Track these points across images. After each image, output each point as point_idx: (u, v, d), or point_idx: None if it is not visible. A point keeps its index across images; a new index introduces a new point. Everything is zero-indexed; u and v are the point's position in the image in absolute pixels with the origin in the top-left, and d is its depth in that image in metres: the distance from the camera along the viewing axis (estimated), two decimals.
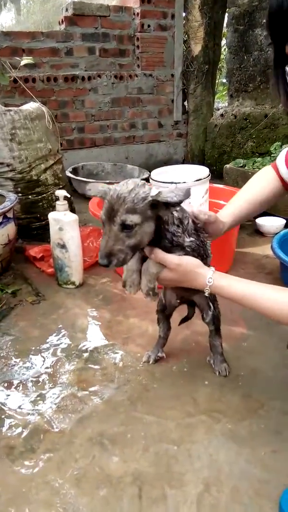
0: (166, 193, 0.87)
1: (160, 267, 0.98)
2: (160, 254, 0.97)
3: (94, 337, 1.49)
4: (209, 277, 0.97)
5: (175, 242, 0.98)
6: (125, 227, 0.86)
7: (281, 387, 1.21)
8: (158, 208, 0.89)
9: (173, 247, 0.98)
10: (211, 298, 1.19)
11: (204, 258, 1.07)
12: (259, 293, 0.95)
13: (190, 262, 0.98)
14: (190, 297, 1.21)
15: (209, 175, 1.81)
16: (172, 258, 0.97)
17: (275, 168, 1.20)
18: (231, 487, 0.92)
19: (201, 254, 1.06)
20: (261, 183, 1.23)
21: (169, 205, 0.88)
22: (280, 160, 1.19)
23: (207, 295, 1.00)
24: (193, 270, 0.98)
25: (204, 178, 1.76)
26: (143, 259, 1.01)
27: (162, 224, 0.95)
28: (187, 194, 0.87)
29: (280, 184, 1.20)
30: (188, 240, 1.00)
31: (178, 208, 0.98)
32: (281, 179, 1.19)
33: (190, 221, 1.04)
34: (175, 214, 0.97)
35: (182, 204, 0.93)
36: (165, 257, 0.96)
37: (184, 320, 1.35)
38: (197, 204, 1.75)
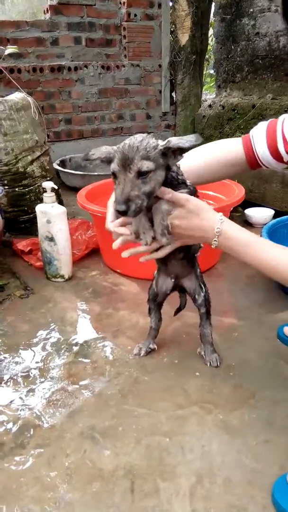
0: (176, 140, 0.91)
1: (170, 205, 0.97)
2: (169, 192, 0.96)
3: (84, 330, 1.48)
4: (219, 217, 0.97)
5: (180, 180, 1.00)
6: (141, 174, 0.88)
7: (272, 377, 1.22)
8: (168, 157, 0.92)
9: (178, 184, 0.99)
10: (202, 281, 1.21)
11: None
12: (264, 244, 0.96)
13: (199, 201, 0.99)
14: (182, 277, 1.21)
15: None
16: (182, 195, 0.97)
17: (247, 143, 1.13)
18: (224, 478, 0.92)
19: None
20: (225, 150, 1.17)
21: (180, 152, 0.92)
22: (258, 136, 1.11)
23: (215, 241, 0.97)
24: (203, 208, 0.98)
25: None
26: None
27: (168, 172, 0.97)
28: (198, 138, 0.90)
29: (245, 160, 1.14)
30: (188, 181, 1.04)
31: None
32: (250, 155, 1.12)
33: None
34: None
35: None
36: (176, 195, 0.96)
37: (178, 310, 1.34)
38: None
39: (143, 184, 0.89)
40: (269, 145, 1.09)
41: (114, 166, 0.91)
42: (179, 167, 1.02)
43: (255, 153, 1.12)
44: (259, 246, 0.96)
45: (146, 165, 0.88)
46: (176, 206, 0.97)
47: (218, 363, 1.25)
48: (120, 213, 0.90)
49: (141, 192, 0.89)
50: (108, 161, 0.94)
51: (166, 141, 0.91)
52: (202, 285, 1.21)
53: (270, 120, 1.12)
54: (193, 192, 1.03)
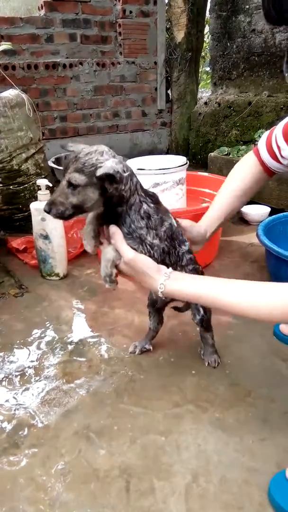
0: (104, 167, 0.87)
1: (117, 255, 0.94)
2: (118, 241, 0.93)
3: (79, 329, 1.47)
4: (160, 283, 0.91)
5: (131, 230, 0.95)
6: (70, 185, 0.89)
7: (268, 375, 1.21)
8: (104, 180, 0.89)
9: (128, 234, 0.95)
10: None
11: (171, 265, 1.03)
12: (215, 292, 0.88)
13: (145, 263, 0.93)
14: None
15: (182, 165, 1.78)
16: (128, 252, 0.93)
17: (257, 153, 1.17)
18: (220, 477, 0.91)
19: (166, 263, 1.02)
20: (242, 173, 1.20)
21: (110, 179, 0.88)
22: (261, 144, 1.16)
23: (161, 295, 0.95)
24: (146, 272, 0.93)
25: (169, 168, 1.74)
26: (102, 217, 0.99)
27: (117, 205, 0.93)
28: (103, 175, 0.86)
29: (262, 170, 1.17)
30: (150, 239, 0.97)
31: (151, 205, 0.96)
32: (263, 165, 1.16)
33: (168, 226, 1.00)
34: (145, 206, 0.95)
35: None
36: (122, 248, 0.93)
37: (176, 308, 1.31)
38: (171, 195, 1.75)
39: (71, 195, 0.89)
40: (268, 150, 1.13)
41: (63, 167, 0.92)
42: (142, 219, 0.95)
43: (263, 160, 1.15)
44: (207, 295, 0.89)
45: (75, 178, 0.87)
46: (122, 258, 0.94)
47: (216, 364, 1.24)
48: (44, 211, 0.92)
49: (67, 201, 0.90)
50: None
51: (108, 167, 0.87)
52: (201, 308, 1.18)
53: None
54: (149, 252, 0.97)
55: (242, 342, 1.36)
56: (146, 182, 1.67)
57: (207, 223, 1.17)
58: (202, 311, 1.18)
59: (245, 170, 1.20)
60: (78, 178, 0.88)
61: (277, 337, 1.37)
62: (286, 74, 0.87)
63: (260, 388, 1.15)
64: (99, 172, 0.86)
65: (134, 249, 0.94)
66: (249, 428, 1.03)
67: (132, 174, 0.93)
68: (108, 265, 0.95)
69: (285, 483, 0.86)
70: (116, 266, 0.96)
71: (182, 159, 1.84)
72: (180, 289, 0.91)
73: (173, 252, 1.04)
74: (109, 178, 0.87)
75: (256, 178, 1.19)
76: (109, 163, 0.87)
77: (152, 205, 0.97)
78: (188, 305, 1.28)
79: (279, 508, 0.83)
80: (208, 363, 1.24)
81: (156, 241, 0.98)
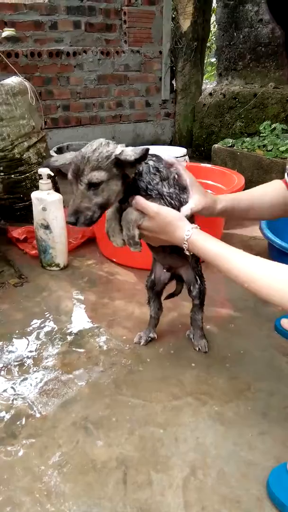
0: (127, 151, 0.88)
1: (139, 215, 0.95)
2: (141, 200, 0.95)
3: (79, 320, 1.46)
4: (187, 229, 0.94)
5: (149, 191, 0.96)
6: (92, 185, 0.88)
7: (268, 368, 1.20)
8: (124, 166, 0.90)
9: (147, 195, 0.96)
10: (198, 273, 1.19)
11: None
12: (233, 257, 0.89)
13: (170, 213, 0.95)
14: (177, 268, 1.19)
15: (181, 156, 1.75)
16: (152, 206, 0.94)
17: (286, 183, 1.11)
18: (218, 470, 0.91)
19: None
20: (266, 188, 1.15)
21: (132, 163, 0.89)
22: None
23: (186, 252, 0.96)
24: (172, 222, 0.95)
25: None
26: (121, 209, 1.00)
27: (133, 178, 0.95)
28: (142, 153, 0.87)
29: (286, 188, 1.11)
30: (167, 190, 0.99)
31: (154, 159, 0.99)
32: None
33: (174, 175, 1.02)
34: (151, 163, 0.98)
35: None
36: (145, 204, 0.94)
37: (170, 296, 1.31)
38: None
39: (94, 196, 0.89)
40: None
41: (69, 176, 0.91)
42: (155, 175, 0.97)
43: None
44: (228, 257, 0.90)
45: (96, 176, 0.87)
46: (146, 216, 0.95)
47: (207, 349, 1.24)
48: (70, 224, 0.90)
49: (92, 204, 0.89)
50: None
51: (120, 150, 0.88)
52: (198, 277, 1.19)
53: None
54: (170, 204, 0.99)
55: (242, 335, 1.35)
56: None
57: (224, 200, 1.14)
58: (199, 281, 1.19)
59: (270, 189, 1.15)
60: (99, 175, 0.87)
61: (278, 332, 1.36)
62: None
63: (260, 382, 1.15)
64: (131, 158, 0.86)
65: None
66: (248, 422, 1.02)
67: None
68: (130, 227, 0.95)
69: (284, 477, 0.86)
70: (139, 227, 0.96)
71: (180, 151, 1.81)
72: (205, 240, 0.93)
73: (182, 200, 1.03)
74: (137, 160, 0.87)
75: (281, 199, 1.12)
76: (127, 149, 0.88)
77: (154, 158, 0.99)
78: (180, 288, 1.29)
79: (278, 502, 0.83)
80: (199, 348, 1.25)
81: (172, 189, 1.00)
